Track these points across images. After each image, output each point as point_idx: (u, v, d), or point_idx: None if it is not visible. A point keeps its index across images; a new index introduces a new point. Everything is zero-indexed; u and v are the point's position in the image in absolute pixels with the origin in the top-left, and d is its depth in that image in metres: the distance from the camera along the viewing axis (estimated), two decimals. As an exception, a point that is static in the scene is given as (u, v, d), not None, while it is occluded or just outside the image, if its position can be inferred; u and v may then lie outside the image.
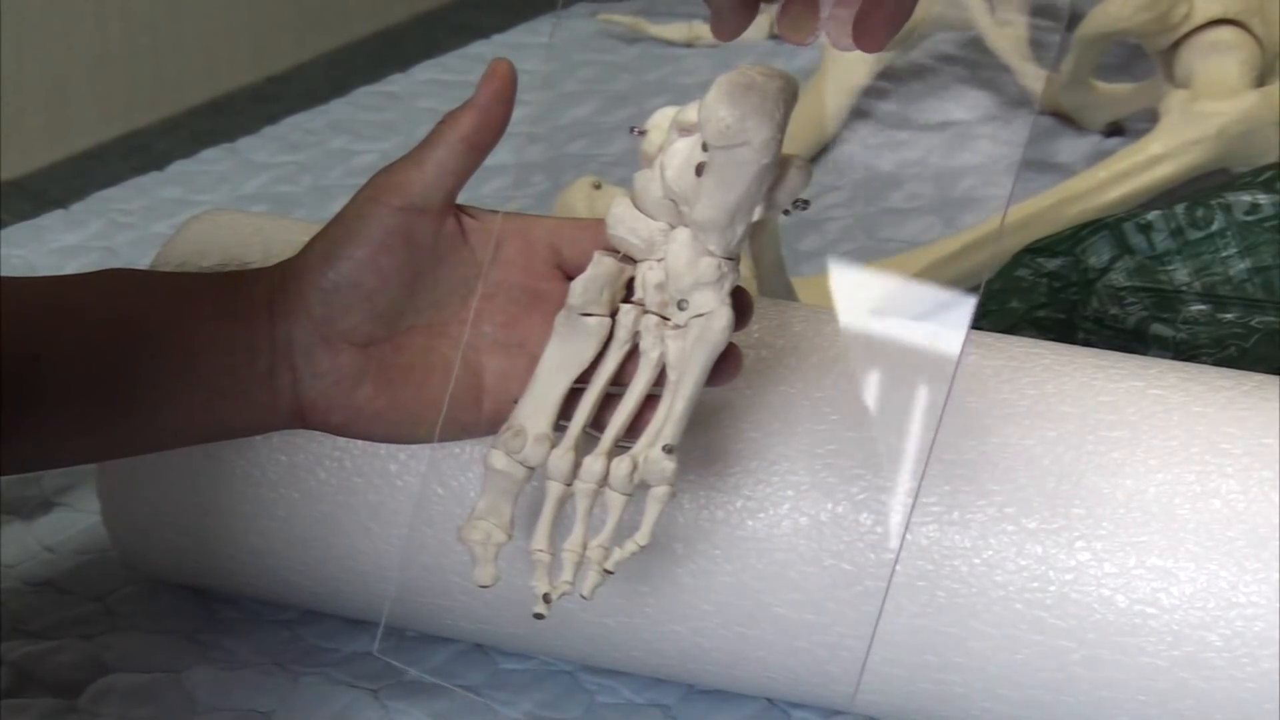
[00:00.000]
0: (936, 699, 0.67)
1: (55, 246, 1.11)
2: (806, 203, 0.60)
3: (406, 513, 0.71)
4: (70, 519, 0.85)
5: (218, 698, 0.73)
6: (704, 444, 0.67)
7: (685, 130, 0.59)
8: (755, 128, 0.57)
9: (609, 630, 0.70)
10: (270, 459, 0.72)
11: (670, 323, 0.60)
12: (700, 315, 0.59)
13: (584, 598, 0.60)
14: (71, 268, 1.08)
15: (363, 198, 0.62)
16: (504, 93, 0.61)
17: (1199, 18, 1.07)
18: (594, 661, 0.74)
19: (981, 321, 0.91)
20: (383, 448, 0.70)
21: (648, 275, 0.60)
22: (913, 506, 0.64)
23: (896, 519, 0.65)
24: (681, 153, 0.59)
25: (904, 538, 0.64)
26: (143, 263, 0.97)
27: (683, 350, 0.59)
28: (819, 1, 0.54)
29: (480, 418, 0.63)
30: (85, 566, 0.82)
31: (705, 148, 0.58)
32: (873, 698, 0.68)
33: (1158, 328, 0.86)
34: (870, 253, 1.03)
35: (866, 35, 0.53)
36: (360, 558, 0.72)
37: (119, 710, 0.73)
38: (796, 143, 0.60)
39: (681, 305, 0.59)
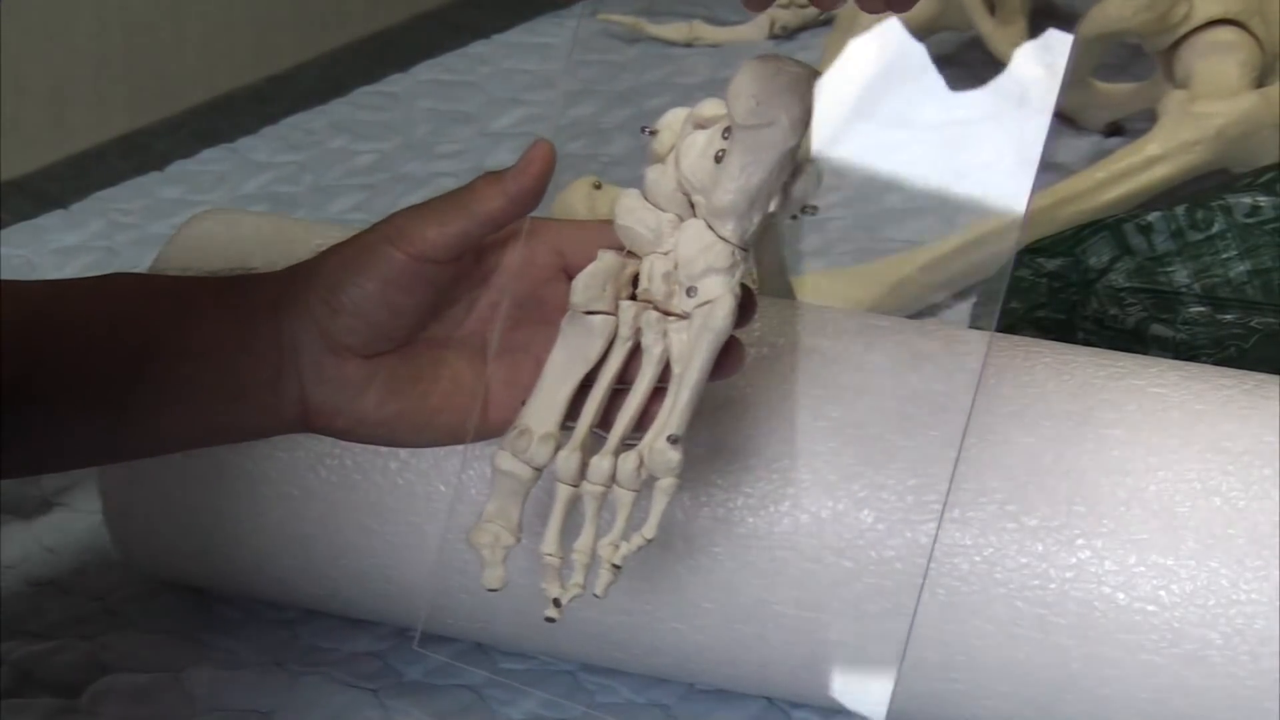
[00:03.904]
0: (937, 697, 0.67)
1: (55, 246, 1.11)
2: (815, 208, 0.60)
3: (407, 511, 0.71)
4: (70, 519, 0.85)
5: (217, 698, 0.73)
6: (704, 441, 0.67)
7: (702, 124, 0.59)
8: (784, 106, 0.57)
9: (609, 630, 0.70)
10: (270, 457, 0.72)
11: (672, 316, 0.60)
12: (705, 304, 0.59)
13: (597, 597, 0.60)
14: (71, 268, 1.08)
15: (380, 235, 0.62)
16: (539, 184, 0.61)
17: (1199, 18, 1.07)
18: (594, 661, 0.74)
19: (980, 321, 0.91)
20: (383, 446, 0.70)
21: (655, 264, 0.60)
22: (941, 513, 0.64)
23: (899, 517, 0.65)
24: (698, 144, 0.59)
25: (934, 543, 0.64)
26: (143, 263, 0.97)
27: (685, 343, 0.59)
28: None
29: (488, 422, 0.63)
30: (85, 566, 0.82)
31: (726, 135, 0.58)
32: (873, 696, 0.68)
33: (1157, 328, 0.86)
34: (870, 253, 1.03)
35: None
36: (360, 556, 0.72)
37: (119, 710, 0.73)
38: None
39: (690, 292, 0.59)
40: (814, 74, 0.58)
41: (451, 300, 0.63)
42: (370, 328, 0.62)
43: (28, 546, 0.83)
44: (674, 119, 0.61)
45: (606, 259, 0.60)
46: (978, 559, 0.65)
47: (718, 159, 0.58)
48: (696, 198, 0.59)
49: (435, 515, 0.70)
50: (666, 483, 0.59)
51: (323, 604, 0.76)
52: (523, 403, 0.61)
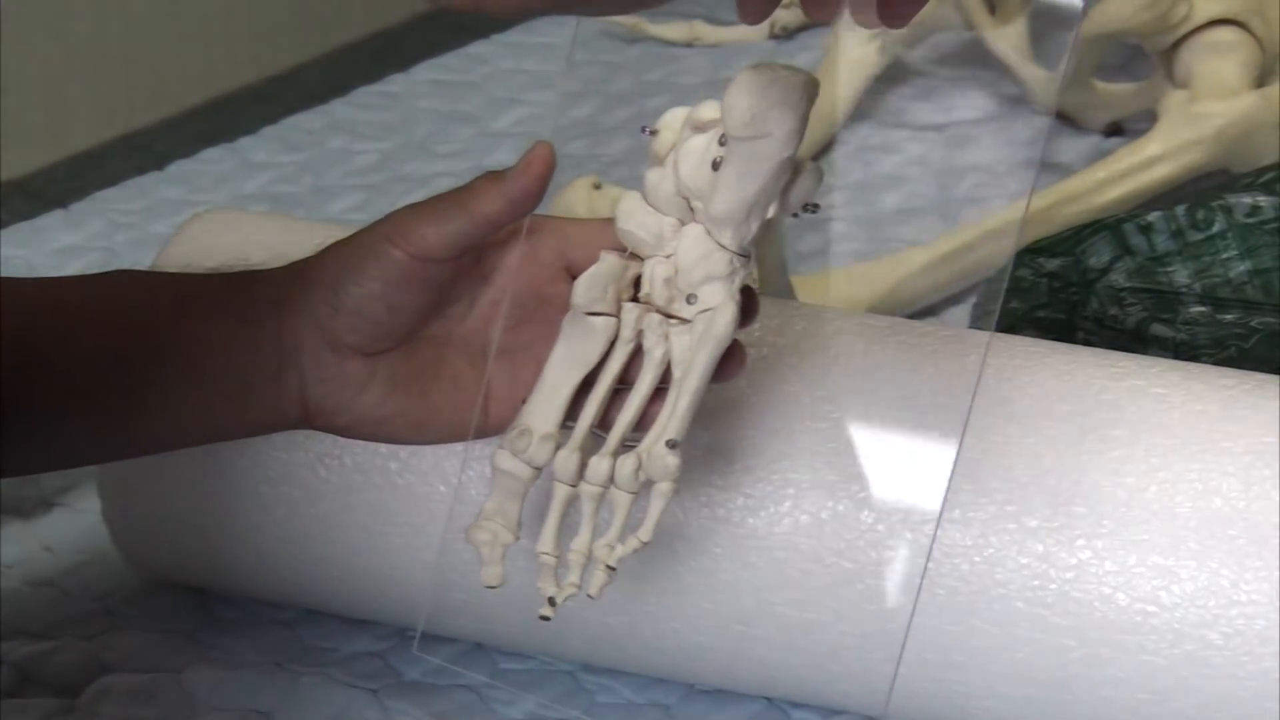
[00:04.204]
0: (937, 697, 0.67)
1: (55, 246, 1.11)
2: (817, 206, 0.60)
3: (406, 512, 0.71)
4: (70, 519, 0.85)
5: (218, 698, 0.73)
6: (704, 442, 0.67)
7: (700, 127, 0.59)
8: (778, 120, 0.57)
9: (609, 630, 0.70)
10: (270, 457, 0.72)
11: (675, 320, 0.60)
12: (706, 310, 0.59)
13: (591, 598, 0.60)
14: (71, 268, 1.08)
15: (380, 234, 0.61)
16: (538, 185, 0.60)
17: (1199, 18, 1.07)
18: (594, 661, 0.74)
19: (980, 321, 0.91)
20: (383, 446, 0.70)
21: (656, 270, 0.60)
22: (940, 514, 0.64)
23: (898, 518, 0.65)
24: (697, 149, 0.59)
25: (932, 543, 0.65)
26: (143, 263, 0.97)
27: (687, 347, 0.59)
28: None
29: (489, 420, 0.63)
30: (85, 566, 0.82)
31: (723, 142, 0.58)
32: (873, 696, 0.68)
33: (1157, 328, 0.86)
34: (870, 253, 1.03)
35: (891, 12, 0.53)
36: (360, 556, 0.72)
37: (119, 710, 0.73)
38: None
39: (690, 299, 0.59)
40: (809, 81, 0.58)
41: (452, 299, 0.63)
42: (371, 326, 0.62)
43: (28, 546, 0.83)
44: (674, 119, 0.60)
45: (609, 261, 0.60)
46: (978, 559, 0.65)
47: (715, 166, 0.58)
48: (695, 203, 0.59)
49: (435, 516, 0.70)
50: (664, 487, 0.59)
51: (323, 604, 0.76)
52: (523, 401, 0.61)
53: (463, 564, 0.70)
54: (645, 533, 0.60)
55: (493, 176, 0.61)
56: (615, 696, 0.74)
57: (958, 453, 0.61)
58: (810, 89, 0.58)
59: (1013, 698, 0.66)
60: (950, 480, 0.62)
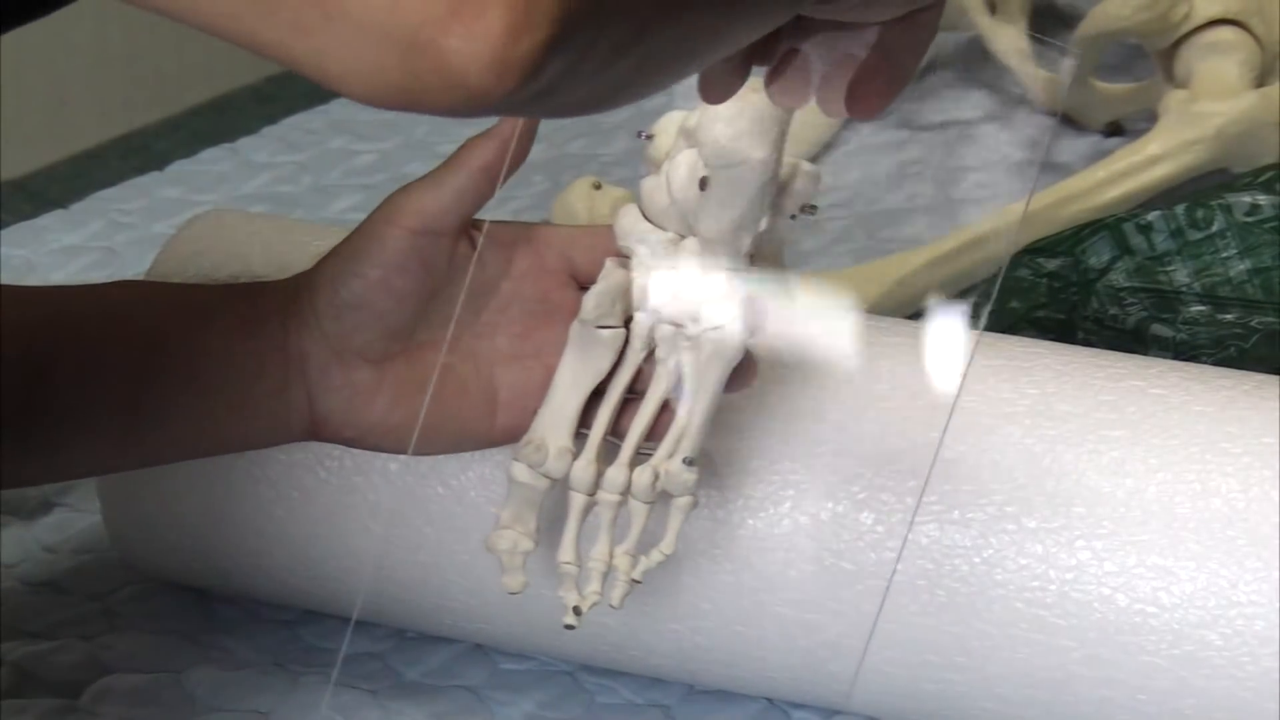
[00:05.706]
0: (937, 698, 0.67)
1: (55, 246, 1.10)
2: (814, 208, 0.60)
3: (407, 513, 0.71)
4: (70, 519, 0.85)
5: (218, 698, 0.73)
6: (704, 443, 0.67)
7: (691, 137, 0.59)
8: (751, 146, 0.56)
9: (609, 630, 0.70)
10: (270, 458, 0.72)
11: (685, 328, 0.60)
12: (714, 328, 0.59)
13: (613, 607, 0.60)
14: (71, 267, 1.08)
15: (377, 218, 0.61)
16: (528, 124, 0.60)
17: (1199, 18, 1.07)
18: (594, 661, 0.74)
19: (972, 320, 0.91)
20: (384, 447, 0.70)
21: (660, 284, 0.60)
22: (916, 507, 0.64)
23: (898, 518, 0.65)
24: (686, 164, 0.59)
25: (906, 538, 0.65)
26: (143, 263, 0.97)
27: (697, 361, 0.60)
28: (809, 67, 0.50)
29: (495, 429, 0.63)
30: (85, 566, 0.82)
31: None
32: (873, 697, 0.68)
33: (1157, 328, 0.86)
34: (870, 253, 1.03)
35: (860, 103, 0.50)
36: (360, 558, 0.72)
37: (119, 710, 0.73)
38: (798, 143, 0.59)
39: (695, 318, 0.59)
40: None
41: (456, 300, 0.62)
42: (374, 319, 0.61)
43: (28, 547, 0.83)
44: (670, 123, 0.60)
45: (616, 276, 0.61)
46: (977, 560, 0.65)
47: (702, 185, 0.58)
48: (689, 218, 0.59)
49: (435, 517, 0.70)
50: (683, 501, 0.60)
51: (323, 604, 0.76)
52: (533, 412, 0.61)
53: (460, 564, 0.70)
54: (668, 545, 0.61)
55: (477, 136, 0.61)
56: (615, 697, 0.74)
57: (937, 451, 0.61)
58: (782, 111, 0.57)
59: (1012, 698, 0.66)
60: (928, 478, 0.62)
